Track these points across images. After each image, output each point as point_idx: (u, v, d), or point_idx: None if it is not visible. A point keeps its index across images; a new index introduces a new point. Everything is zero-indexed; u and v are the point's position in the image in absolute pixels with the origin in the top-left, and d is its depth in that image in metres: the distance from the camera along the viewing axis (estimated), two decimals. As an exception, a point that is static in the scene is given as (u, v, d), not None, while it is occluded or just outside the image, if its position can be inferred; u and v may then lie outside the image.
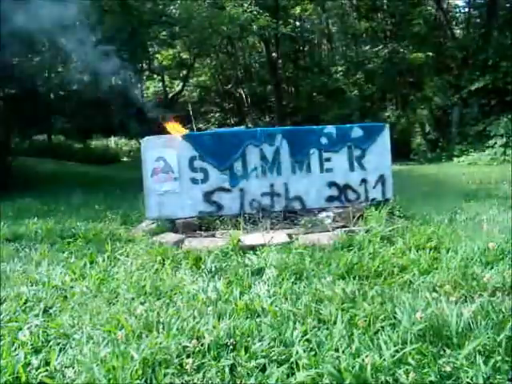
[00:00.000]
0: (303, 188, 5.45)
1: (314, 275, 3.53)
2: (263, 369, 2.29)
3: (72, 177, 13.00)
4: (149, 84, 25.69)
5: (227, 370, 2.27)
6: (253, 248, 4.35)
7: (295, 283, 3.38)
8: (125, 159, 19.88)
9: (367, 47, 22.89)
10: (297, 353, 2.37)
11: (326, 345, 2.41)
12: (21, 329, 2.75)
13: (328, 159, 5.47)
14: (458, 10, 23.48)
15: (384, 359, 2.23)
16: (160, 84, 24.82)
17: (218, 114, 28.66)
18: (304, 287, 3.28)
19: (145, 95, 24.87)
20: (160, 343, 2.43)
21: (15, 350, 2.51)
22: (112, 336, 2.59)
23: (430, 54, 20.15)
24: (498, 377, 2.13)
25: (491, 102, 17.91)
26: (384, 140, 5.59)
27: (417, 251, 4.03)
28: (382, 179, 5.59)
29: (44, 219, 5.94)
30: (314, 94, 24.64)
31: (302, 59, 27.89)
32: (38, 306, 3.13)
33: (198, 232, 5.12)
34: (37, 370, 2.32)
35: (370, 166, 5.54)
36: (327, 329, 2.60)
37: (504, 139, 15.89)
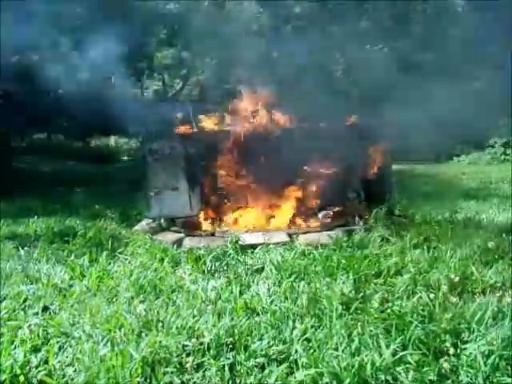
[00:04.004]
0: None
1: (314, 274, 3.53)
2: (263, 368, 2.28)
3: (72, 176, 12.98)
4: (149, 83, 25.63)
5: (227, 368, 2.27)
6: (253, 247, 4.35)
7: (295, 282, 3.38)
8: (125, 158, 19.83)
9: (367, 46, 22.83)
10: (296, 352, 2.36)
11: (326, 344, 2.41)
12: (20, 327, 2.75)
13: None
14: (458, 8, 23.44)
15: (384, 358, 2.22)
16: (160, 83, 24.78)
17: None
18: (303, 286, 3.28)
19: (145, 94, 24.81)
20: (160, 342, 2.43)
21: (15, 348, 2.50)
22: (111, 335, 2.59)
23: (430, 52, 20.12)
24: (498, 375, 2.13)
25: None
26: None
27: (416, 251, 4.03)
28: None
29: (44, 218, 5.93)
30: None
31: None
32: (37, 305, 3.12)
33: (197, 231, 5.12)
34: (36, 369, 2.32)
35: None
36: (327, 328, 2.60)
37: (504, 139, 15.86)
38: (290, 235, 4.71)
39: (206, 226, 5.22)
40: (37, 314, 3.00)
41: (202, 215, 5.27)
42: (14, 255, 4.36)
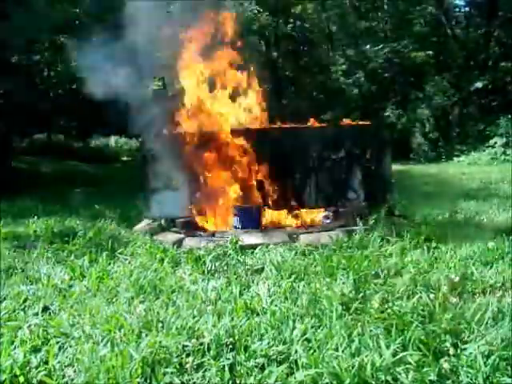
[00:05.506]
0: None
1: (314, 274, 3.52)
2: (263, 368, 2.28)
3: (72, 176, 12.98)
4: (148, 83, 25.63)
5: (227, 369, 2.26)
6: (252, 247, 4.34)
7: (295, 282, 3.38)
8: (124, 158, 19.85)
9: (367, 46, 22.87)
10: (296, 352, 2.36)
11: (326, 344, 2.41)
12: (20, 327, 2.74)
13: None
14: (458, 9, 23.46)
15: (384, 359, 2.22)
16: (160, 83, 24.80)
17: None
18: (303, 286, 3.28)
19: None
20: (160, 342, 2.43)
21: (15, 348, 2.50)
22: (111, 335, 2.59)
23: (430, 53, 20.14)
24: (498, 376, 2.13)
25: (491, 102, 17.92)
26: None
27: (416, 251, 4.03)
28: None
29: (44, 218, 5.93)
30: (314, 93, 24.59)
31: (302, 59, 27.81)
32: (37, 305, 3.12)
33: (197, 231, 5.12)
34: (36, 369, 2.32)
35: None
36: (327, 328, 2.60)
37: (504, 139, 15.88)
38: (289, 235, 4.71)
39: (206, 226, 5.23)
40: (37, 314, 3.00)
41: (201, 215, 5.28)
42: (13, 255, 4.36)
